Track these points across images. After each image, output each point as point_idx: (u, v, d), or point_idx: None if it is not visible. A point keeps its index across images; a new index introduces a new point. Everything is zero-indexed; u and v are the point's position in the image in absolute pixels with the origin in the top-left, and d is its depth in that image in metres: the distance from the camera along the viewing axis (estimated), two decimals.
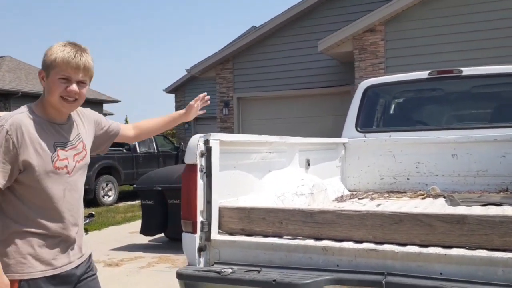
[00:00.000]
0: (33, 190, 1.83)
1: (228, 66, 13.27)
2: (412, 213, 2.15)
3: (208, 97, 2.51)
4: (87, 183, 10.57)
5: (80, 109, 2.06)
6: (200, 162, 2.40)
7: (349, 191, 4.62)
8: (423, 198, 4.05)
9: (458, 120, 4.87)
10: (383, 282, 2.00)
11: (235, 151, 2.76)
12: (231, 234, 2.49)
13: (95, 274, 2.12)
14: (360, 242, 2.20)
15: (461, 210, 3.23)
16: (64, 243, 1.93)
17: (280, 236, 2.37)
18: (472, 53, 9.09)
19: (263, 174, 3.11)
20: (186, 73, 19.63)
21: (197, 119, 20.36)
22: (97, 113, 2.21)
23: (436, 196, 4.09)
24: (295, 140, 3.47)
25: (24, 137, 1.79)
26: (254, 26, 17.35)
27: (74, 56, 1.86)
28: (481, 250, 1.97)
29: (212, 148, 2.42)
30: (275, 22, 12.62)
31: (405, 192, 4.36)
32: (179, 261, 6.19)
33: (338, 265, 2.18)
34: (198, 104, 2.45)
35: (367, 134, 4.76)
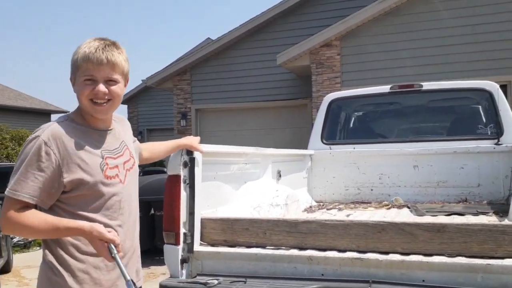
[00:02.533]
0: (85, 206, 1.68)
1: (186, 77, 13.19)
2: (395, 222, 2.22)
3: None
4: None
5: (119, 116, 1.94)
6: (184, 172, 2.38)
7: (316, 201, 4.70)
8: (388, 208, 4.18)
9: (419, 133, 5.07)
10: None
11: (215, 162, 2.76)
12: (213, 245, 2.48)
13: None
14: (344, 251, 2.25)
15: (435, 219, 3.35)
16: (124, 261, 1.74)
17: (264, 247, 2.39)
18: (426, 68, 9.51)
19: (240, 185, 3.12)
20: (140, 82, 19.33)
21: (151, 130, 20.09)
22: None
23: (400, 206, 4.23)
24: (269, 152, 3.51)
25: (67, 149, 1.64)
26: (209, 38, 17.39)
27: (95, 51, 1.67)
28: (460, 257, 2.07)
29: (195, 159, 2.41)
30: (233, 34, 12.69)
31: (370, 203, 4.48)
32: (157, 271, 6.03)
33: (323, 274, 2.21)
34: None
35: (332, 146, 4.87)
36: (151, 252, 6.27)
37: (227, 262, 2.37)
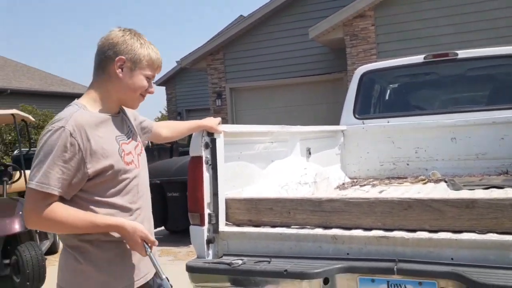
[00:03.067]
0: (105, 192, 1.68)
1: (219, 57, 13.18)
2: (421, 198, 2.15)
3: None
4: None
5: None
6: (205, 154, 2.38)
7: (350, 178, 4.62)
8: (424, 183, 4.06)
9: (456, 104, 4.86)
10: (395, 269, 2.01)
11: (239, 142, 2.74)
12: (238, 225, 2.48)
13: None
14: (370, 229, 2.20)
15: (470, 194, 3.24)
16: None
17: (288, 226, 2.37)
18: (465, 35, 9.10)
19: (266, 164, 3.10)
20: (176, 64, 19.49)
21: (189, 111, 20.29)
22: None
23: (437, 181, 4.10)
24: (296, 129, 3.46)
25: (90, 138, 1.63)
26: (241, 15, 17.24)
27: (160, 57, 1.82)
28: (491, 234, 1.98)
29: (216, 140, 2.39)
30: (265, 10, 12.53)
31: (405, 178, 4.37)
32: (181, 253, 6.19)
33: (348, 253, 2.17)
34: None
35: (365, 121, 4.75)
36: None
37: (253, 242, 2.36)
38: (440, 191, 3.58)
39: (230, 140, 2.57)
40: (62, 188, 1.59)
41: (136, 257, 1.77)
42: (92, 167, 1.63)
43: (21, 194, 6.12)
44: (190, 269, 2.30)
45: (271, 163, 3.14)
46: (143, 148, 1.93)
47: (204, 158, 2.37)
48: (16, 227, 4.90)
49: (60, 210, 1.60)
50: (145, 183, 1.87)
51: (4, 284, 5.07)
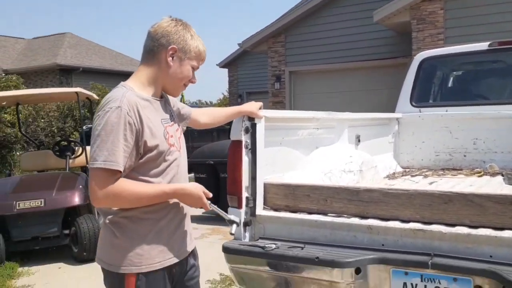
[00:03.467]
0: (148, 171, 1.76)
1: (280, 39, 13.12)
2: (463, 193, 2.06)
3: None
4: None
5: None
6: (245, 138, 2.40)
7: (402, 167, 4.50)
8: (479, 176, 3.89)
9: None
10: (429, 263, 1.96)
11: (281, 127, 2.74)
12: (275, 210, 2.50)
13: (198, 275, 2.07)
14: (407, 221, 2.14)
15: None
16: (179, 229, 1.89)
17: (325, 214, 2.36)
18: None
19: (310, 150, 3.08)
20: (238, 47, 19.61)
21: (249, 93, 20.42)
22: None
23: (494, 174, 3.92)
24: (344, 116, 3.40)
25: (142, 118, 1.71)
26: None
27: (205, 49, 1.91)
28: None
29: (257, 125, 2.41)
30: None
31: (461, 170, 4.20)
32: None
33: (383, 245, 2.14)
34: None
35: (422, 109, 4.59)
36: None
37: (288, 227, 2.38)
38: (493, 184, 3.43)
39: (272, 125, 2.57)
40: (124, 165, 1.68)
41: (170, 235, 1.85)
42: (142, 146, 1.71)
43: (83, 169, 6.47)
44: (226, 250, 2.36)
45: (315, 150, 3.12)
46: (182, 133, 2.01)
47: (244, 143, 2.40)
48: (76, 200, 5.21)
49: (128, 184, 1.69)
50: (185, 166, 1.96)
51: (64, 252, 5.42)
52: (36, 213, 5.11)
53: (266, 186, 2.52)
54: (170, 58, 1.81)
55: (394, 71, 11.62)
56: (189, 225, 1.99)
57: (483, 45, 4.41)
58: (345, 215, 2.30)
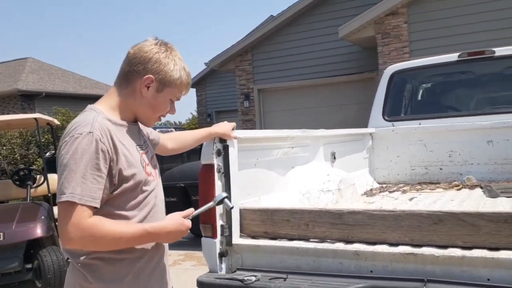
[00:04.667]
0: (124, 204, 1.56)
1: (247, 58, 13.05)
2: (453, 212, 1.93)
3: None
4: None
5: None
6: (217, 161, 2.23)
7: (379, 183, 4.40)
8: (458, 189, 3.81)
9: (492, 104, 4.57)
10: None
11: (255, 148, 2.58)
12: (253, 237, 2.32)
13: None
14: (396, 245, 2.00)
15: (508, 207, 2.98)
16: (159, 268, 1.69)
17: (307, 240, 2.19)
18: (502, 32, 8.66)
19: (286, 170, 2.93)
20: (205, 67, 19.50)
21: (219, 112, 20.28)
22: None
23: (473, 187, 3.84)
24: (319, 133, 3.27)
25: (116, 144, 1.53)
26: (271, 15, 17.07)
27: (190, 79, 1.73)
28: None
29: (229, 147, 2.24)
30: (293, 10, 12.33)
31: (438, 183, 4.12)
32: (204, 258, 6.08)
33: (371, 271, 1.98)
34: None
35: (395, 123, 4.52)
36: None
37: (268, 256, 2.20)
38: (475, 198, 3.33)
39: (245, 146, 2.41)
40: (98, 198, 1.47)
41: (149, 275, 1.65)
42: (117, 175, 1.53)
43: (46, 198, 6.13)
44: (201, 285, 2.15)
45: (291, 170, 2.97)
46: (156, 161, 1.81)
47: (216, 166, 2.22)
48: (39, 231, 4.89)
49: (105, 222, 1.47)
50: (162, 196, 1.76)
51: None
52: None
53: (242, 212, 2.34)
54: (146, 89, 1.62)
55: (362, 86, 11.70)
56: (167, 261, 1.78)
57: (452, 56, 4.39)
58: (329, 240, 2.14)
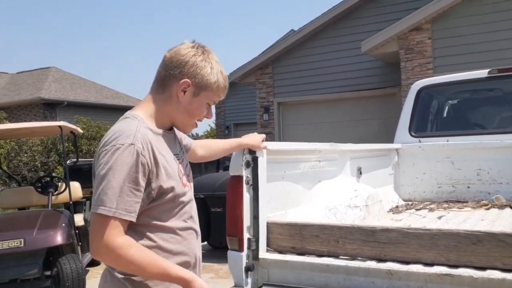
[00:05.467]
0: (162, 215, 1.53)
1: (268, 71, 13.06)
2: (493, 232, 1.85)
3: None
4: None
5: None
6: (246, 173, 2.18)
7: (404, 200, 4.30)
8: (487, 209, 3.70)
9: None
10: None
11: (283, 160, 2.53)
12: (280, 252, 2.26)
13: None
14: (431, 265, 1.92)
15: None
16: (195, 268, 1.67)
17: (337, 256, 2.12)
18: None
19: (313, 184, 2.86)
20: None
21: (237, 125, 20.28)
22: None
23: (502, 206, 3.73)
24: (347, 147, 3.21)
25: (156, 157, 1.49)
26: (292, 29, 17.12)
27: (227, 83, 1.69)
28: None
29: (258, 158, 2.19)
30: (316, 24, 12.33)
31: (466, 202, 4.01)
32: (222, 271, 6.01)
33: None
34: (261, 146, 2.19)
35: (422, 139, 4.43)
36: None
37: (296, 272, 2.13)
38: (506, 218, 3.22)
39: (274, 159, 2.36)
40: (134, 212, 1.44)
41: None
42: (157, 189, 1.49)
43: (66, 206, 6.15)
44: None
45: (318, 184, 2.90)
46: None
47: (244, 178, 2.17)
48: (59, 239, 4.89)
49: (136, 250, 1.43)
50: (195, 206, 1.72)
51: None
52: (15, 253, 4.77)
53: (270, 226, 2.28)
54: (182, 93, 1.58)
55: (383, 101, 11.60)
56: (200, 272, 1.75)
57: (482, 73, 4.29)
58: (360, 258, 2.07)
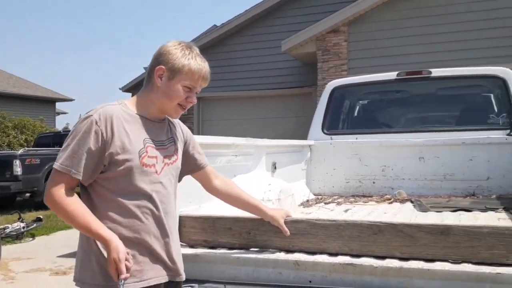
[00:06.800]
0: (120, 191, 1.69)
1: None
2: (393, 223, 1.97)
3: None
4: (36, 184, 10.09)
5: (177, 120, 1.98)
6: None
7: (314, 195, 4.46)
8: (390, 203, 3.93)
9: (425, 123, 4.79)
10: None
11: None
12: (192, 246, 2.26)
13: None
14: (336, 255, 2.01)
15: (446, 215, 3.10)
16: (152, 255, 1.74)
17: (247, 249, 2.15)
18: (436, 55, 9.14)
19: (229, 178, 2.87)
20: (143, 71, 19.08)
21: None
22: (190, 132, 2.10)
23: (403, 201, 3.98)
24: (263, 142, 3.27)
25: (113, 129, 1.69)
26: (215, 25, 17.07)
27: (206, 69, 1.81)
28: (466, 264, 1.82)
29: None
30: (238, 20, 12.40)
31: (371, 196, 4.24)
32: None
33: (310, 281, 1.98)
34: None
35: (333, 136, 4.62)
36: None
37: (207, 265, 2.14)
38: (406, 212, 3.45)
39: None
40: (83, 173, 1.65)
41: (143, 260, 1.72)
42: (108, 156, 1.67)
43: None
44: None
45: (233, 178, 2.92)
46: (177, 162, 1.87)
47: None
48: None
49: (73, 201, 1.66)
50: (166, 194, 1.80)
51: None
52: None
53: (182, 219, 2.26)
54: (159, 79, 1.78)
55: (301, 100, 11.92)
56: (171, 251, 1.83)
57: (391, 75, 4.56)
58: (270, 249, 2.12)
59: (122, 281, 1.59)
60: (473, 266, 1.80)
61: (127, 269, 1.60)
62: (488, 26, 9.03)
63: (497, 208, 3.37)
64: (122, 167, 1.68)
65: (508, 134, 4.08)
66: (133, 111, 1.77)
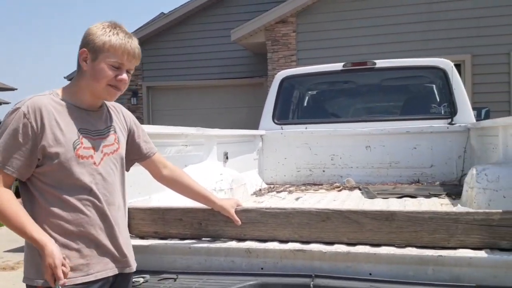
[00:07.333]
0: (58, 184, 1.62)
1: None
2: (340, 210, 2.03)
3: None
4: None
5: (116, 103, 1.89)
6: None
7: (267, 184, 4.51)
8: (339, 191, 4.04)
9: (372, 113, 4.94)
10: (311, 285, 1.87)
11: None
12: (142, 238, 2.23)
13: None
14: (286, 241, 2.05)
15: (392, 202, 3.21)
16: (98, 248, 1.69)
17: (199, 239, 2.16)
18: (382, 46, 9.38)
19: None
20: None
21: None
22: (135, 119, 2.00)
23: (352, 188, 4.10)
24: (214, 132, 3.26)
25: (44, 121, 1.61)
26: (162, 12, 16.75)
27: (131, 43, 1.71)
28: (410, 248, 1.90)
29: None
30: (186, 8, 12.22)
31: (321, 185, 4.34)
32: None
33: (262, 268, 2.01)
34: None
35: (284, 126, 4.68)
36: None
37: (158, 256, 2.13)
38: (355, 199, 3.56)
39: None
40: (15, 168, 1.59)
41: (90, 253, 1.67)
42: (41, 149, 1.60)
43: None
44: None
45: (184, 168, 2.90)
46: (120, 151, 1.80)
47: None
48: None
49: (6, 201, 1.58)
50: (105, 185, 1.72)
51: None
52: None
53: (131, 211, 2.23)
54: (84, 63, 1.70)
55: (252, 90, 11.95)
56: (119, 243, 1.78)
57: (338, 66, 4.66)
58: (222, 239, 2.13)
59: (59, 287, 1.53)
60: (417, 249, 1.88)
61: (64, 274, 1.54)
62: (431, 19, 9.36)
63: (440, 194, 3.53)
64: (56, 160, 1.61)
65: (449, 123, 4.28)
66: (65, 100, 1.70)
